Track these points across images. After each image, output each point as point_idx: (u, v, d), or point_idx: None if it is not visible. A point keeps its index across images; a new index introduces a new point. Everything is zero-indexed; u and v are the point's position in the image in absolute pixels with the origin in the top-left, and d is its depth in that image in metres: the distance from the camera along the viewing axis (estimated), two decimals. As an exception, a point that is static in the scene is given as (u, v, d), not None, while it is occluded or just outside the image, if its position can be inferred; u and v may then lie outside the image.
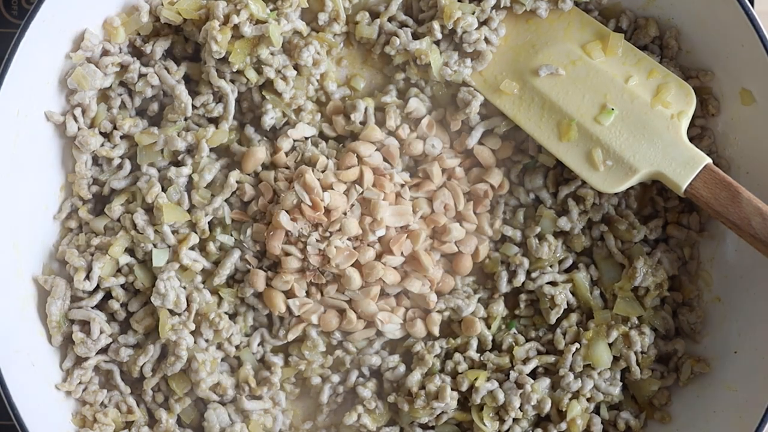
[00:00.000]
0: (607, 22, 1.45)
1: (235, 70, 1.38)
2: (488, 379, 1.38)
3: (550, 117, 1.40)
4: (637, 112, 1.36)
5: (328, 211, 1.38)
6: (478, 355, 1.41)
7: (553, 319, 1.42)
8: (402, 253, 1.40)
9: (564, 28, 1.42)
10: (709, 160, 1.33)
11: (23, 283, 1.36)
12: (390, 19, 1.45)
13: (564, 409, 1.37)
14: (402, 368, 1.42)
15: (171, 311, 1.36)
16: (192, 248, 1.39)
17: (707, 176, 1.32)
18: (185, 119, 1.40)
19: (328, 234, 1.38)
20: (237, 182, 1.40)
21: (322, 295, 1.40)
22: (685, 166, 1.33)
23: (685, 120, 1.36)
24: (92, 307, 1.38)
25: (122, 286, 1.39)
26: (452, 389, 1.37)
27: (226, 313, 1.40)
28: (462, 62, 1.43)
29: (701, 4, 1.39)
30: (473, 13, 1.42)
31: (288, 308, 1.40)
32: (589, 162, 1.37)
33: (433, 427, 1.41)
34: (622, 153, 1.35)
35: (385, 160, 1.44)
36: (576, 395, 1.38)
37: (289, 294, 1.40)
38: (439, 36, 1.42)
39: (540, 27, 1.43)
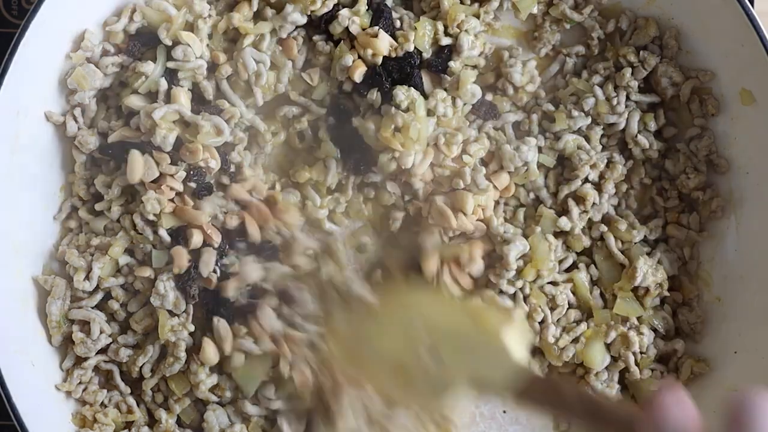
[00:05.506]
0: (607, 22, 1.45)
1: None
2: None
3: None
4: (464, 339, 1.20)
5: (327, 211, 1.38)
6: (478, 355, 1.41)
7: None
8: (402, 253, 1.40)
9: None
10: (536, 373, 1.26)
11: (23, 283, 1.35)
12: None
13: (563, 410, 1.37)
14: (401, 369, 1.41)
15: (170, 312, 1.36)
16: (192, 248, 1.39)
17: (535, 385, 1.14)
18: (185, 119, 1.40)
19: (327, 234, 1.38)
20: (237, 182, 1.41)
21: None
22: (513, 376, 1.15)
23: (512, 338, 1.19)
24: (92, 308, 1.38)
25: (122, 286, 1.39)
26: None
27: (226, 313, 1.40)
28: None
29: (701, 4, 1.38)
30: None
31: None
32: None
33: None
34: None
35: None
36: (575, 395, 1.38)
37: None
38: None
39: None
